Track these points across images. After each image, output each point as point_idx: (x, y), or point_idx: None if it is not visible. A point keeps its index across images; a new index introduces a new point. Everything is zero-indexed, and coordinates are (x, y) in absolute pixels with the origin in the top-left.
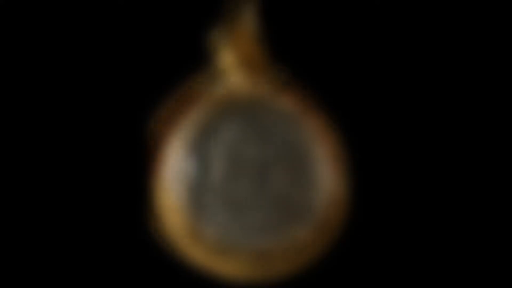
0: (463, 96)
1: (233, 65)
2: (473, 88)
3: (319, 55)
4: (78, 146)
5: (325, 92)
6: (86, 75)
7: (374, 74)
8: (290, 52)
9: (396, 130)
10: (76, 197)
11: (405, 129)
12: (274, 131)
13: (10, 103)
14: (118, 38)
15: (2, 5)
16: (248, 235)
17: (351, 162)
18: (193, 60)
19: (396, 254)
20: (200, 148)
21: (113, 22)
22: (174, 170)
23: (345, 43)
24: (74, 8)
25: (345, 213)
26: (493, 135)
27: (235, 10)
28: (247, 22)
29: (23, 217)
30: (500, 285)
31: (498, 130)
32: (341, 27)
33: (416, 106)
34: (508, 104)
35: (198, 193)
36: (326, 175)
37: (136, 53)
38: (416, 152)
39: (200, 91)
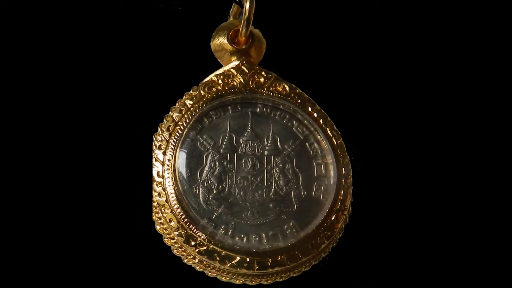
0: (461, 94)
1: (230, 54)
2: (471, 88)
3: (318, 51)
4: (77, 146)
5: (323, 87)
6: (86, 76)
7: (371, 70)
8: (289, 47)
9: (396, 128)
10: (75, 197)
11: (405, 126)
12: (272, 126)
13: (10, 103)
14: (121, 39)
15: (2, 5)
16: (244, 234)
17: (351, 159)
18: (196, 64)
19: (397, 254)
20: (192, 141)
21: (117, 23)
22: (167, 167)
23: (345, 39)
24: (78, 11)
25: (346, 211)
26: (492, 135)
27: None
28: (246, 15)
29: (25, 217)
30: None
31: (497, 130)
32: (337, 28)
33: (415, 103)
34: (508, 104)
35: (190, 190)
36: (326, 170)
37: (138, 55)
38: (415, 150)
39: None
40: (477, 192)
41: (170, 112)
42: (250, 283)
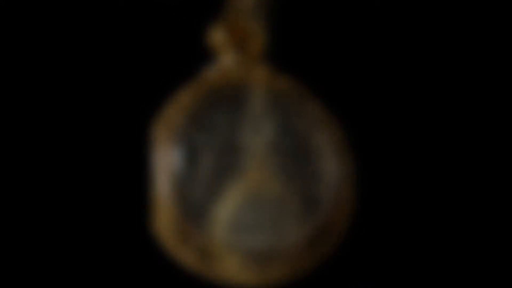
0: (462, 91)
1: (226, 46)
2: (472, 87)
3: (320, 44)
4: (74, 145)
5: (326, 82)
6: (83, 74)
7: (373, 65)
8: (290, 40)
9: (398, 124)
10: (65, 197)
11: (411, 123)
12: (272, 122)
13: (10, 103)
14: (117, 36)
15: (2, 5)
16: (242, 234)
17: (353, 153)
18: (192, 58)
19: (400, 254)
20: (188, 138)
21: (112, 20)
22: (162, 164)
23: (344, 33)
24: (75, 8)
25: (349, 210)
26: (492, 135)
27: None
28: (243, 4)
29: (21, 217)
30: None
31: (497, 130)
32: (337, 20)
33: (418, 98)
34: (508, 104)
35: (186, 188)
36: (328, 168)
37: (130, 49)
38: (418, 147)
39: (191, 79)
40: (484, 193)
41: (166, 108)
42: (248, 284)
